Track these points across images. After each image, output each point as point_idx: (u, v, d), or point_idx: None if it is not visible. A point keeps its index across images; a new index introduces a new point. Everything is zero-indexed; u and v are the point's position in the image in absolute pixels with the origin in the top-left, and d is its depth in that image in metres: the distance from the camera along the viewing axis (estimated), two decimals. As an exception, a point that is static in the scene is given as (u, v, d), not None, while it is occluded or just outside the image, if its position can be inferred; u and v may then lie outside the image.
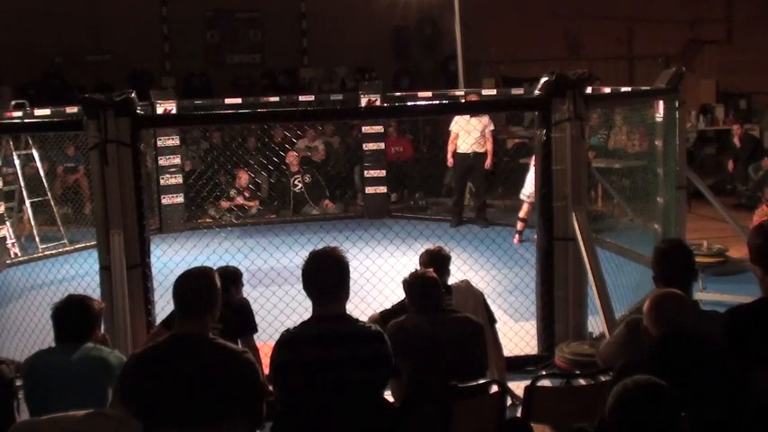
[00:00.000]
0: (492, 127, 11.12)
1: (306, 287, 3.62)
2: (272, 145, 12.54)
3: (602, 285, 5.63)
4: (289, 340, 3.58)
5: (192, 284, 3.48)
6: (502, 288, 7.05)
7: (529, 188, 9.59)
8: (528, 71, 15.55)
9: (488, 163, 11.05)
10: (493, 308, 5.39)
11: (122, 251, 5.34)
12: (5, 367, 3.68)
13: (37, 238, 10.31)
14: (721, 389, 3.13)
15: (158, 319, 5.51)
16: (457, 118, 10.88)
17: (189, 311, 3.43)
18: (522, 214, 9.88)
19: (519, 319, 6.62)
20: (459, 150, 10.90)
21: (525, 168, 10.12)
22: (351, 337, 3.54)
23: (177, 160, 11.89)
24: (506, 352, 5.76)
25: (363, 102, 11.74)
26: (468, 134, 10.75)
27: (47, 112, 10.64)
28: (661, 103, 7.43)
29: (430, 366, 4.00)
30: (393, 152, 13.25)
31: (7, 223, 9.98)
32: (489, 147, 10.98)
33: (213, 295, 3.49)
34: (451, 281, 5.06)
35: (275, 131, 12.87)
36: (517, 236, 9.92)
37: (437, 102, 11.53)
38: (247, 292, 5.45)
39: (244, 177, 12.45)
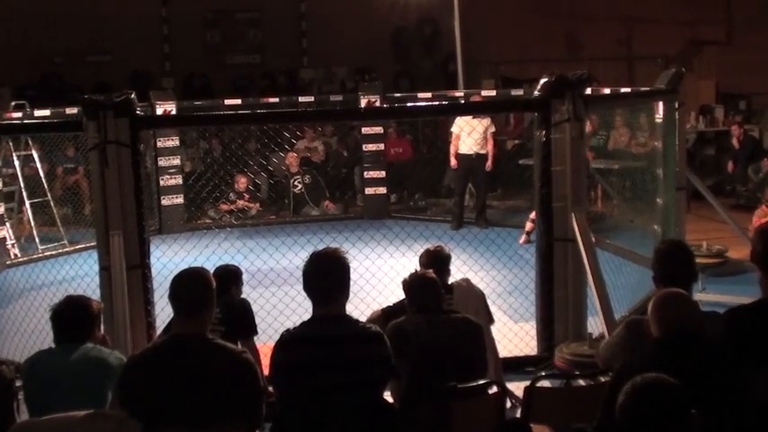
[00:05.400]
0: (493, 128, 11.12)
1: (306, 288, 3.62)
2: (271, 146, 12.54)
3: (602, 286, 5.64)
4: (289, 341, 3.58)
5: (188, 285, 3.47)
6: (501, 289, 7.04)
7: None
8: (528, 72, 15.56)
9: (489, 164, 11.05)
10: (493, 308, 5.40)
11: (122, 252, 5.34)
12: (5, 368, 3.68)
13: (37, 239, 10.31)
14: (721, 389, 3.13)
15: (158, 320, 5.52)
16: (458, 119, 10.88)
17: (186, 312, 3.43)
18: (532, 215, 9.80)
19: (518, 320, 6.62)
20: (460, 151, 10.89)
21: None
22: (350, 337, 3.54)
23: (177, 161, 11.89)
24: (506, 353, 5.78)
25: (363, 102, 11.74)
26: (468, 135, 10.75)
27: (47, 112, 10.63)
28: (661, 104, 7.43)
29: (429, 367, 4.00)
30: (393, 153, 13.25)
31: (7, 224, 9.98)
32: (490, 148, 10.97)
33: (209, 294, 3.49)
34: (451, 281, 5.07)
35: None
36: (525, 236, 9.88)
37: (437, 102, 11.54)
38: (247, 292, 5.45)
39: (242, 181, 12.45)
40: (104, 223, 5.42)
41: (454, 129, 10.94)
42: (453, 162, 11.08)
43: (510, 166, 11.97)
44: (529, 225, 9.85)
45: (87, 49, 17.35)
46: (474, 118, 10.61)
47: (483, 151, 10.90)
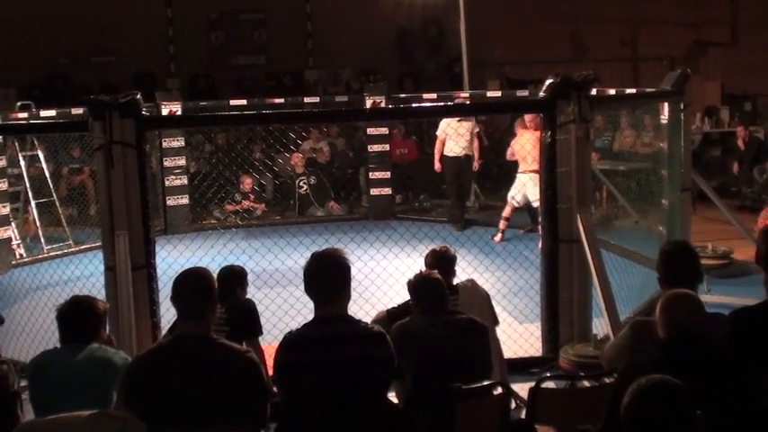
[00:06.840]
0: (477, 129, 11.17)
1: (307, 288, 3.63)
2: (277, 146, 12.54)
3: (607, 287, 5.63)
4: (291, 341, 3.58)
5: (190, 285, 3.48)
6: (506, 290, 7.04)
7: (513, 191, 9.75)
8: (533, 73, 15.52)
9: (476, 165, 11.10)
10: (498, 309, 5.40)
11: (127, 252, 5.35)
12: (5, 366, 3.68)
13: (42, 239, 10.33)
14: (726, 391, 3.12)
15: (163, 320, 5.53)
16: (442, 121, 10.87)
17: (189, 312, 3.43)
18: (505, 213, 10.03)
19: (523, 321, 6.61)
20: (450, 153, 10.89)
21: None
22: (352, 338, 3.55)
23: (182, 161, 11.90)
24: (511, 354, 5.78)
25: (368, 103, 11.74)
26: (457, 137, 10.73)
27: (52, 113, 10.65)
28: (666, 105, 7.42)
29: (434, 368, 4.00)
30: (398, 154, 13.25)
31: (13, 224, 9.99)
32: (475, 147, 10.99)
33: (212, 294, 3.49)
34: (456, 281, 5.07)
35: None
36: (500, 234, 10.03)
37: (442, 103, 11.54)
38: (252, 293, 5.46)
39: (247, 182, 12.46)
40: (110, 223, 5.44)
41: (439, 132, 10.96)
42: (437, 165, 11.09)
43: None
44: (502, 223, 10.08)
45: (92, 50, 17.37)
46: (458, 121, 10.61)
47: (471, 152, 10.95)
